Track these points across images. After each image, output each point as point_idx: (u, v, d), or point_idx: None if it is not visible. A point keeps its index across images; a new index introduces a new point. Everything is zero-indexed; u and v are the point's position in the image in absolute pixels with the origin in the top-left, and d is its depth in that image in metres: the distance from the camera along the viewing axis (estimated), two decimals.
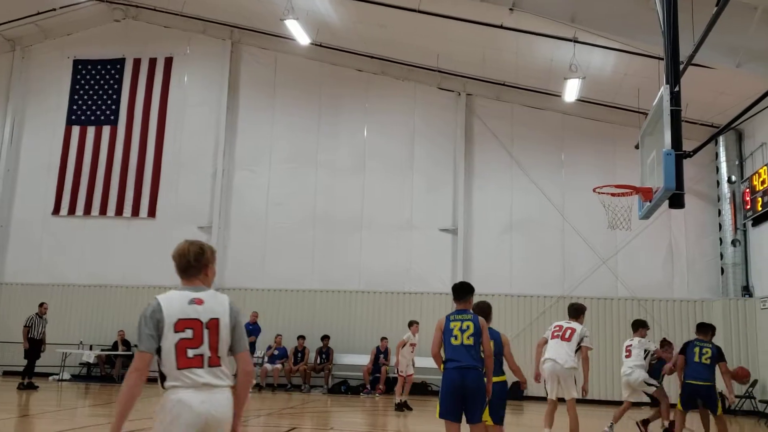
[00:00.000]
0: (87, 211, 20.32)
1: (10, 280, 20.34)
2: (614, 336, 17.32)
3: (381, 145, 19.73)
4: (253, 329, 17.61)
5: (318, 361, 18.23)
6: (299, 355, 18.26)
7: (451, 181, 19.19)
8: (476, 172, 19.23)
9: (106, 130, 20.69)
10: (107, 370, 19.12)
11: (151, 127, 20.54)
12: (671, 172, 7.72)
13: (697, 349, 9.41)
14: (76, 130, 20.84)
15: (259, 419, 12.16)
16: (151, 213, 20.13)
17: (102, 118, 20.78)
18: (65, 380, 18.39)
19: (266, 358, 18.29)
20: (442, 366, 6.43)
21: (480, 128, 19.32)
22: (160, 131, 20.49)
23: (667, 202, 8.34)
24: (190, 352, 3.40)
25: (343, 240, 19.34)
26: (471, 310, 6.54)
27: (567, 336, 8.89)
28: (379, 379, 17.56)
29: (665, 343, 11.32)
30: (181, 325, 3.43)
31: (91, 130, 20.75)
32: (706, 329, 9.83)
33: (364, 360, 17.82)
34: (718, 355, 9.45)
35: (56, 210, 20.48)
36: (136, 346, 3.52)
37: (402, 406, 13.49)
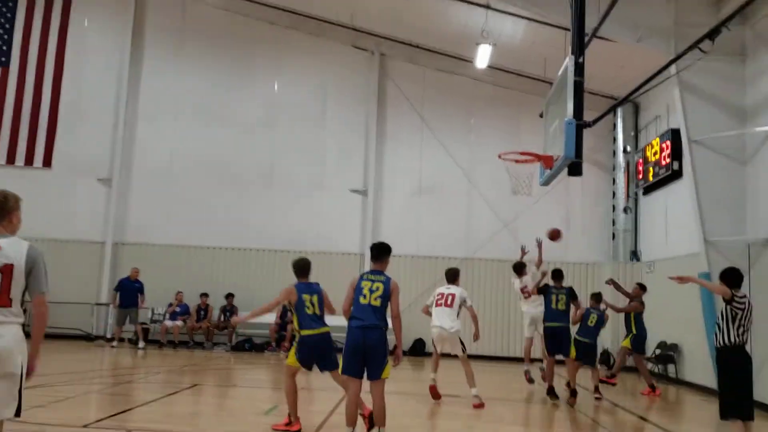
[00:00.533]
0: None
1: None
2: (511, 295, 18.12)
3: (292, 102, 19.43)
4: (139, 287, 17.28)
5: (222, 319, 18.05)
6: (202, 312, 18.00)
7: (362, 142, 19.22)
8: (388, 134, 19.34)
9: None
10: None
11: (47, 70, 19.29)
12: (572, 141, 8.07)
13: (553, 297, 10.67)
14: None
15: (158, 376, 11.97)
16: (47, 162, 19.05)
17: None
18: None
19: (167, 315, 17.93)
20: None
21: (393, 90, 19.37)
22: (57, 76, 19.29)
23: (566, 169, 8.72)
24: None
25: (251, 197, 19.04)
26: (384, 272, 6.62)
27: (449, 302, 9.73)
28: (284, 337, 17.60)
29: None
30: None
31: None
32: (559, 277, 10.96)
33: (269, 318, 17.77)
34: (570, 296, 10.74)
35: None
36: None
37: None
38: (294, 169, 19.14)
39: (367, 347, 6.26)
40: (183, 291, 18.19)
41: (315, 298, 7.16)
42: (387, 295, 6.41)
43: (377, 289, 6.39)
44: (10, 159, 18.98)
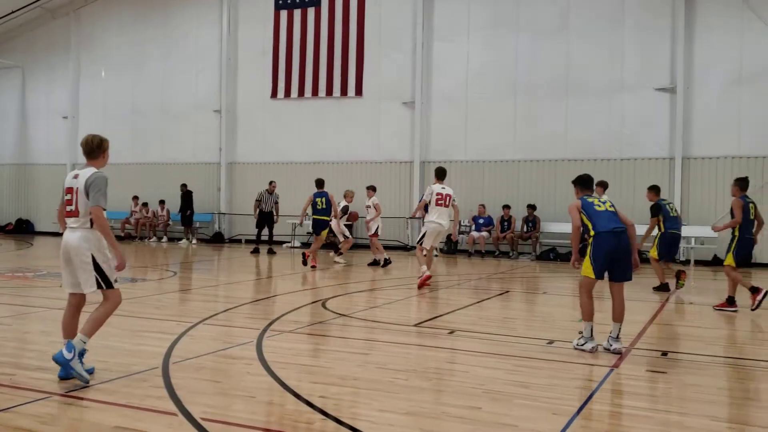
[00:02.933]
0: (301, 92, 21.63)
1: (241, 160, 22.65)
2: None
3: None
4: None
5: (524, 230, 18.37)
6: (505, 223, 18.50)
7: (668, 32, 17.43)
8: (698, 19, 17.21)
9: (311, 12, 21.43)
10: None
11: (352, 5, 20.89)
12: None
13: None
14: (284, 14, 21.84)
15: (469, 283, 12.75)
16: (358, 91, 20.90)
17: (306, 0, 21.49)
18: (296, 247, 20.50)
19: (472, 227, 18.81)
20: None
21: None
22: (361, 9, 20.79)
23: None
24: (69, 207, 5.19)
25: (547, 107, 18.69)
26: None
27: (448, 203, 11.21)
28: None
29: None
30: (66, 191, 5.22)
31: (297, 14, 21.64)
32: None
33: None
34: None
35: (274, 93, 22.04)
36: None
37: (376, 263, 14.90)
38: (590, 72, 18.23)
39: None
40: (484, 204, 18.86)
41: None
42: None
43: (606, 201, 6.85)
44: (329, 91, 21.22)
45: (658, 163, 17.45)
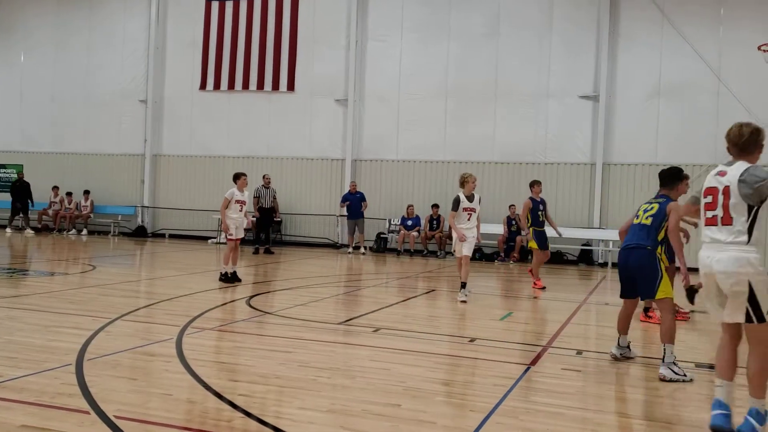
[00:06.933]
0: (231, 85, 21.24)
1: (167, 152, 22.06)
2: None
3: (516, 7, 18.73)
4: (360, 196, 18.63)
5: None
6: (434, 223, 18.74)
7: (593, 44, 18.06)
8: (622, 32, 17.92)
9: (243, 4, 21.08)
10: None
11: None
12: None
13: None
14: (215, 5, 21.40)
15: (398, 281, 12.85)
16: (290, 87, 20.70)
17: None
18: (222, 243, 20.11)
19: (401, 228, 18.96)
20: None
21: None
22: (294, 3, 20.60)
23: None
24: (709, 213, 4.29)
25: (477, 110, 19.03)
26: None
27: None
28: (513, 248, 17.78)
29: None
30: (705, 192, 4.36)
31: (229, 5, 21.24)
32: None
33: (497, 229, 17.99)
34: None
35: (203, 85, 21.56)
36: None
37: (231, 277, 10.99)
38: (519, 77, 18.65)
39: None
40: (413, 204, 19.04)
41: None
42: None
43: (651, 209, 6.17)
44: (260, 85, 20.93)
45: (580, 168, 18.04)
